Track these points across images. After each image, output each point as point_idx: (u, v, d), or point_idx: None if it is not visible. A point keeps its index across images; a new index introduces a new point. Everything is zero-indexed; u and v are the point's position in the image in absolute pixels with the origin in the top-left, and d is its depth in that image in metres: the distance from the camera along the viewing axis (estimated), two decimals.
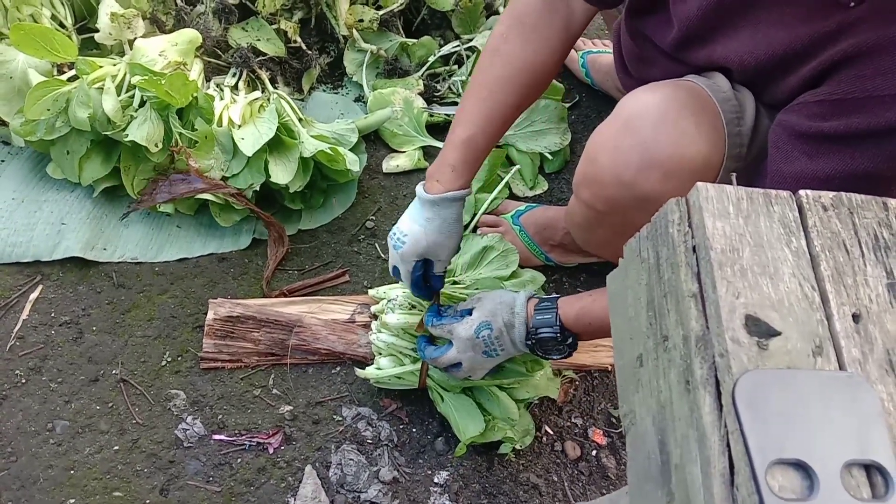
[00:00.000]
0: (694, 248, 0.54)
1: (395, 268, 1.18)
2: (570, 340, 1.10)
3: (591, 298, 1.10)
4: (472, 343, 1.14)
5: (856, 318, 0.51)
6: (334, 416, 1.30)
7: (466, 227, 1.51)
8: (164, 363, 1.32)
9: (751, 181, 0.94)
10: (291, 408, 1.30)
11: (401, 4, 1.74)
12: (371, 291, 1.36)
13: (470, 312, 1.15)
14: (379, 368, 1.27)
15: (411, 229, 1.12)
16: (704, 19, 0.96)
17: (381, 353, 1.28)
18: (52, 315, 1.36)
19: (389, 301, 1.29)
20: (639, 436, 0.60)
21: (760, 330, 0.50)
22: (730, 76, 0.98)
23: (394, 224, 1.17)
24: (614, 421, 1.35)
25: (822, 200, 0.57)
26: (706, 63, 1.00)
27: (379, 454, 1.26)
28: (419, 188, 1.13)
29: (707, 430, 0.48)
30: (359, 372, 1.27)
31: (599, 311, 1.07)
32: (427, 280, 1.17)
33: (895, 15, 0.76)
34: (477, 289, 1.31)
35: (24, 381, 1.29)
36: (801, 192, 0.57)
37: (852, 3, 0.77)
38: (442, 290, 1.22)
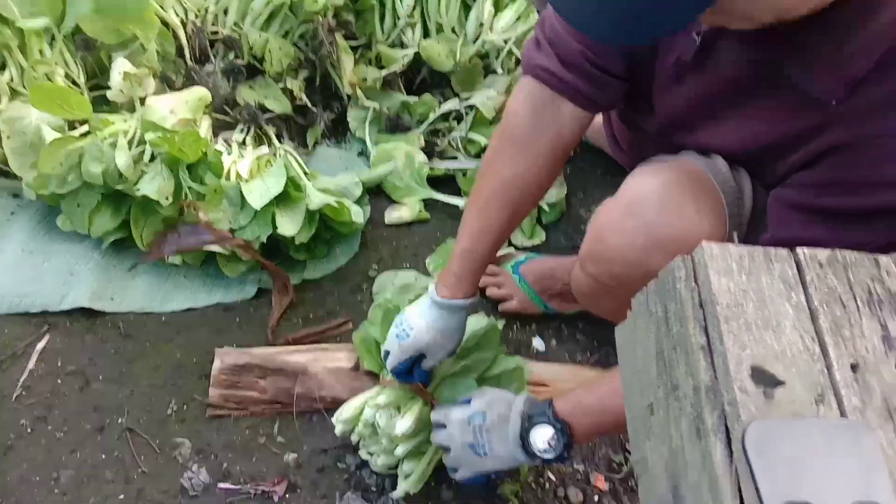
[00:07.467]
0: (701, 303, 0.58)
1: (388, 351, 1.21)
2: (563, 428, 1.05)
3: (583, 391, 1.10)
4: (463, 429, 1.13)
5: (854, 368, 0.55)
6: (339, 464, 1.31)
7: None
8: (169, 412, 1.34)
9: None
10: (296, 455, 1.31)
11: (403, 65, 1.81)
12: (338, 429, 1.26)
13: (469, 402, 1.17)
14: (408, 477, 1.23)
15: (418, 324, 1.15)
16: (687, 111, 1.01)
17: (401, 463, 1.24)
18: (59, 364, 1.37)
19: (380, 415, 1.21)
20: (651, 482, 0.63)
21: (766, 380, 0.53)
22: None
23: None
24: (615, 466, 1.37)
25: (818, 258, 0.61)
26: (694, 147, 1.05)
27: (383, 502, 1.26)
28: (431, 287, 1.16)
29: (719, 476, 0.51)
30: (396, 494, 1.24)
31: (594, 400, 1.06)
32: (411, 371, 1.20)
33: (871, 115, 0.81)
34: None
35: (29, 430, 1.29)
36: (799, 249, 0.61)
37: (833, 102, 0.82)
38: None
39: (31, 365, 1.37)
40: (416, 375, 1.21)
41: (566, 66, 1.06)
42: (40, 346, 1.39)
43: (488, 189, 1.13)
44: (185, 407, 1.35)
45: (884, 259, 0.60)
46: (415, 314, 1.17)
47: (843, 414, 0.52)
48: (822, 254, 0.60)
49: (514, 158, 1.11)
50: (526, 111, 1.10)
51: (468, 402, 1.17)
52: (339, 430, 1.25)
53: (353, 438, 1.25)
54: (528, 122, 1.10)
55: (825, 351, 0.55)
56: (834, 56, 0.80)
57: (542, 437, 1.06)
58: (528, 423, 1.08)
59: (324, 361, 1.39)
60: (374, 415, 1.21)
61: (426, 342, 1.15)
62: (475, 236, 1.14)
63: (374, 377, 1.35)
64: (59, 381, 1.36)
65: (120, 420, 1.32)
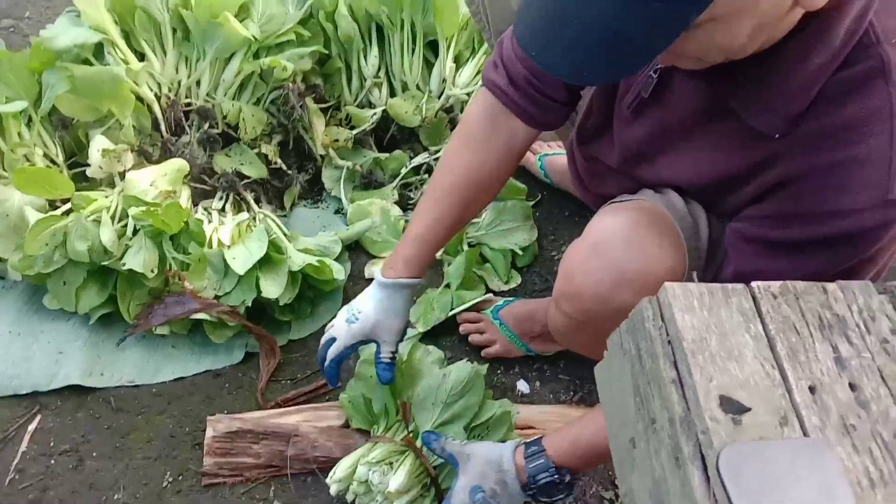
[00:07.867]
0: (669, 339, 0.63)
1: (329, 340, 1.26)
2: (567, 478, 1.12)
3: (577, 429, 1.14)
4: None
5: (812, 390, 0.60)
6: None
7: (448, 320, 1.59)
8: (165, 484, 1.34)
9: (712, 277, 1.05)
10: None
11: (372, 123, 1.87)
12: (333, 489, 1.28)
13: (455, 462, 1.19)
14: None
15: (365, 306, 1.23)
16: (648, 144, 1.08)
17: None
18: (52, 444, 1.38)
19: (373, 472, 1.24)
20: None
21: (733, 408, 0.58)
22: (680, 191, 1.10)
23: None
24: (606, 503, 1.39)
25: (771, 289, 0.66)
26: (656, 181, 1.11)
27: None
28: (376, 272, 1.23)
29: (699, 501, 0.55)
30: None
31: (588, 438, 1.11)
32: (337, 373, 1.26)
33: (809, 148, 0.88)
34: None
35: None
36: (753, 283, 0.66)
37: (776, 136, 0.89)
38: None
39: (23, 447, 1.37)
40: (382, 377, 1.25)
41: (515, 87, 1.16)
42: (32, 427, 1.40)
43: (445, 182, 1.22)
44: (180, 478, 1.35)
45: (831, 286, 0.66)
46: (364, 298, 1.24)
47: (805, 433, 0.57)
48: (775, 285, 0.66)
49: (471, 157, 1.21)
50: (482, 118, 1.21)
51: (454, 461, 1.19)
52: (333, 489, 1.26)
53: (349, 497, 1.27)
54: (485, 128, 1.20)
55: (784, 376, 0.60)
56: (775, 92, 0.88)
57: (551, 489, 1.12)
58: (532, 481, 1.12)
59: (315, 421, 1.41)
60: (367, 472, 1.23)
61: (373, 322, 1.21)
62: (429, 224, 1.21)
63: (365, 434, 1.38)
64: (52, 461, 1.36)
65: (116, 496, 1.32)
